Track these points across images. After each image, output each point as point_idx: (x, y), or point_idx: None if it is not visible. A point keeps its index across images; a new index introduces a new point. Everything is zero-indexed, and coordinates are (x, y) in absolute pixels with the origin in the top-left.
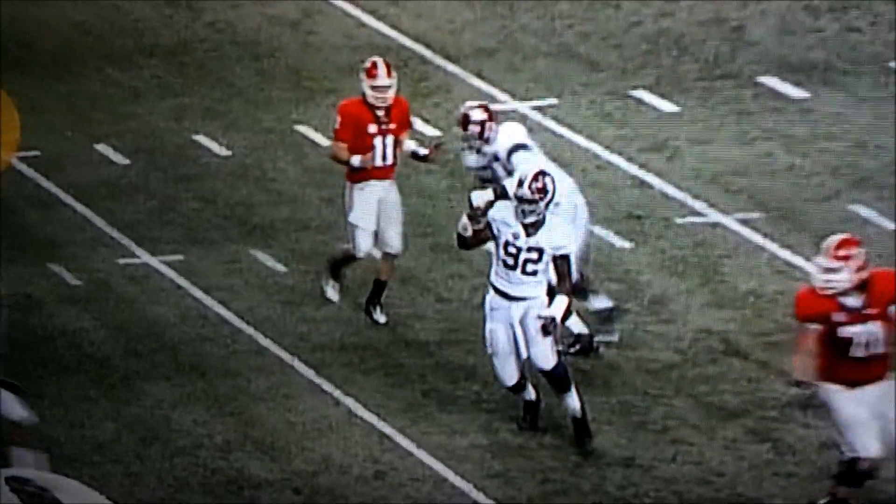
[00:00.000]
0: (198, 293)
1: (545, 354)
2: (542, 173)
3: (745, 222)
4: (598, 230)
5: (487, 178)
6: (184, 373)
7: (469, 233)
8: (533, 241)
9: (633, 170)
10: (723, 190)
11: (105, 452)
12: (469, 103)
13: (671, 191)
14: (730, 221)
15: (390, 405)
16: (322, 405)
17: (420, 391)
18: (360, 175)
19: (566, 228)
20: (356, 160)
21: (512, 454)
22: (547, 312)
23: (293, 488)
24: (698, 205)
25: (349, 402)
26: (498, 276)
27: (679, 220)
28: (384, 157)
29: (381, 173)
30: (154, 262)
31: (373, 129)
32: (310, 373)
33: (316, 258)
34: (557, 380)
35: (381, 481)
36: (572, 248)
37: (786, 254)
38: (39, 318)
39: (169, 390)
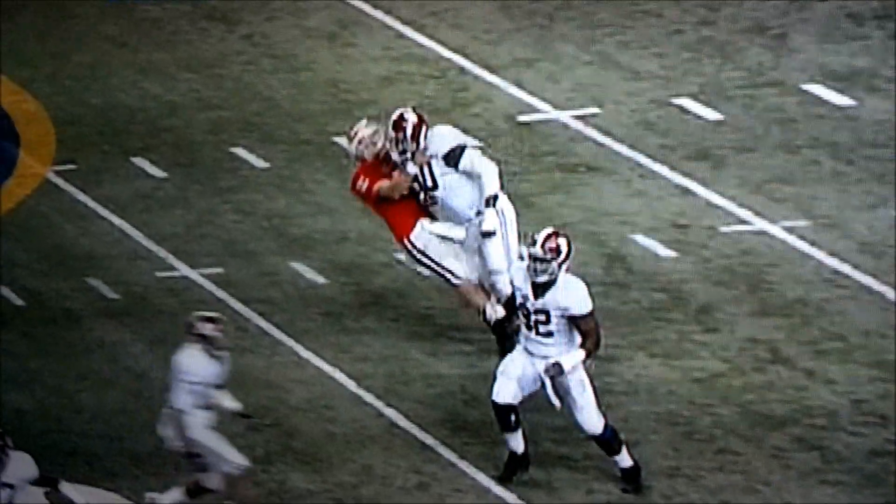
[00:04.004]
0: (237, 305)
1: (592, 422)
2: (557, 233)
3: (791, 230)
4: (642, 239)
5: (420, 186)
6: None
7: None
8: (540, 303)
9: (677, 178)
10: (768, 198)
11: (144, 465)
12: (401, 109)
13: (716, 199)
14: (775, 229)
15: (432, 416)
16: (363, 416)
17: (461, 401)
18: (406, 225)
19: (580, 289)
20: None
21: (556, 464)
22: (555, 359)
23: (335, 499)
24: (743, 213)
25: (390, 412)
26: (523, 335)
27: (724, 229)
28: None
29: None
30: (193, 274)
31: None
32: (350, 384)
33: (355, 270)
34: (607, 443)
35: (423, 492)
36: (586, 309)
37: (832, 262)
38: (78, 332)
39: None
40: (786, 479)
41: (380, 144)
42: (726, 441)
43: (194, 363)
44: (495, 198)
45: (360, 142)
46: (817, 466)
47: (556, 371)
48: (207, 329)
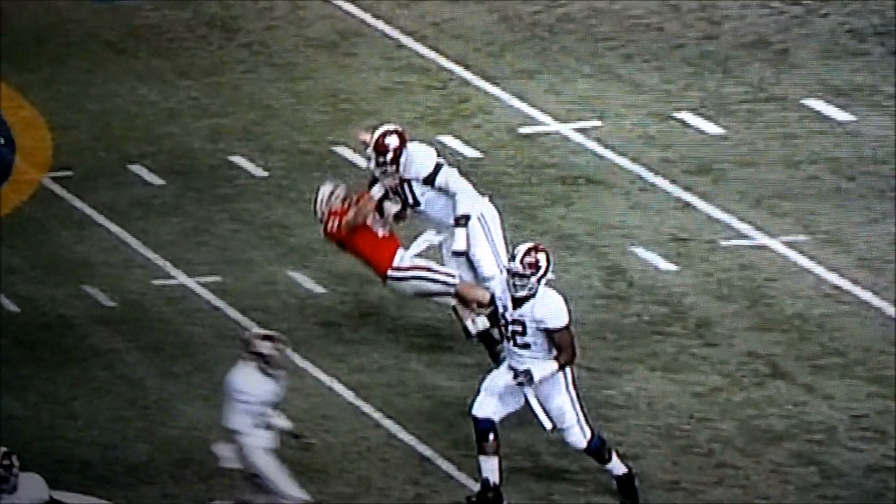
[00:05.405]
0: (234, 314)
1: (577, 438)
2: (536, 248)
3: (791, 245)
4: (643, 253)
5: (402, 202)
6: (220, 394)
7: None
8: (517, 314)
9: (678, 192)
10: (768, 212)
11: (139, 474)
12: (384, 127)
13: (716, 213)
14: (776, 244)
15: (430, 427)
16: (361, 427)
17: (459, 413)
18: (385, 258)
19: (557, 303)
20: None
21: (555, 478)
22: (526, 367)
23: None
24: (744, 227)
25: (388, 424)
26: (505, 348)
27: (724, 243)
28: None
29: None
30: (190, 282)
31: None
32: (349, 394)
33: (353, 279)
34: (596, 453)
35: None
36: (561, 323)
37: (832, 277)
38: (73, 339)
39: (205, 411)
40: (784, 494)
41: (343, 194)
42: (725, 455)
43: (249, 382)
44: (466, 218)
45: (321, 202)
46: (815, 481)
47: (525, 378)
48: (265, 347)
